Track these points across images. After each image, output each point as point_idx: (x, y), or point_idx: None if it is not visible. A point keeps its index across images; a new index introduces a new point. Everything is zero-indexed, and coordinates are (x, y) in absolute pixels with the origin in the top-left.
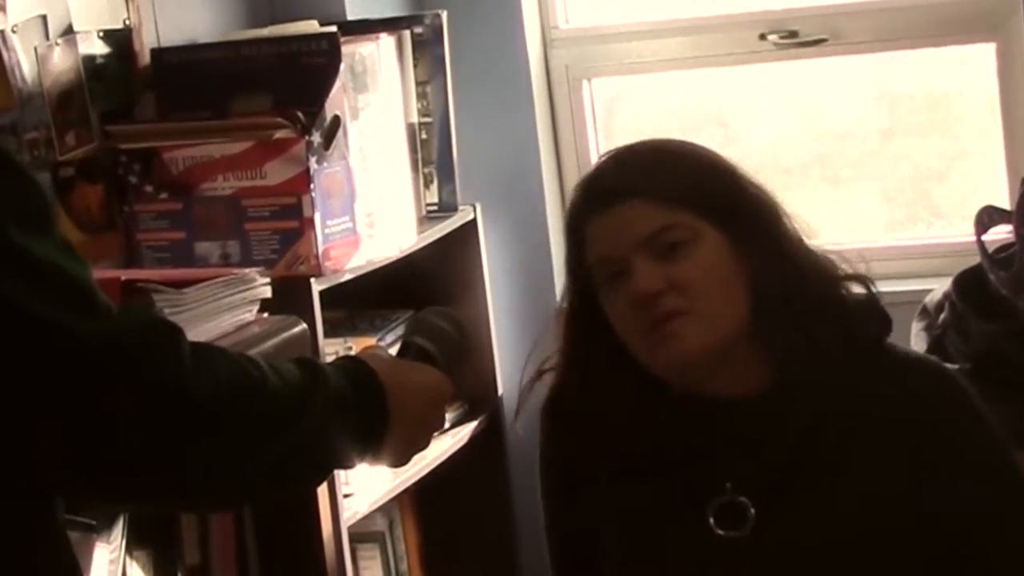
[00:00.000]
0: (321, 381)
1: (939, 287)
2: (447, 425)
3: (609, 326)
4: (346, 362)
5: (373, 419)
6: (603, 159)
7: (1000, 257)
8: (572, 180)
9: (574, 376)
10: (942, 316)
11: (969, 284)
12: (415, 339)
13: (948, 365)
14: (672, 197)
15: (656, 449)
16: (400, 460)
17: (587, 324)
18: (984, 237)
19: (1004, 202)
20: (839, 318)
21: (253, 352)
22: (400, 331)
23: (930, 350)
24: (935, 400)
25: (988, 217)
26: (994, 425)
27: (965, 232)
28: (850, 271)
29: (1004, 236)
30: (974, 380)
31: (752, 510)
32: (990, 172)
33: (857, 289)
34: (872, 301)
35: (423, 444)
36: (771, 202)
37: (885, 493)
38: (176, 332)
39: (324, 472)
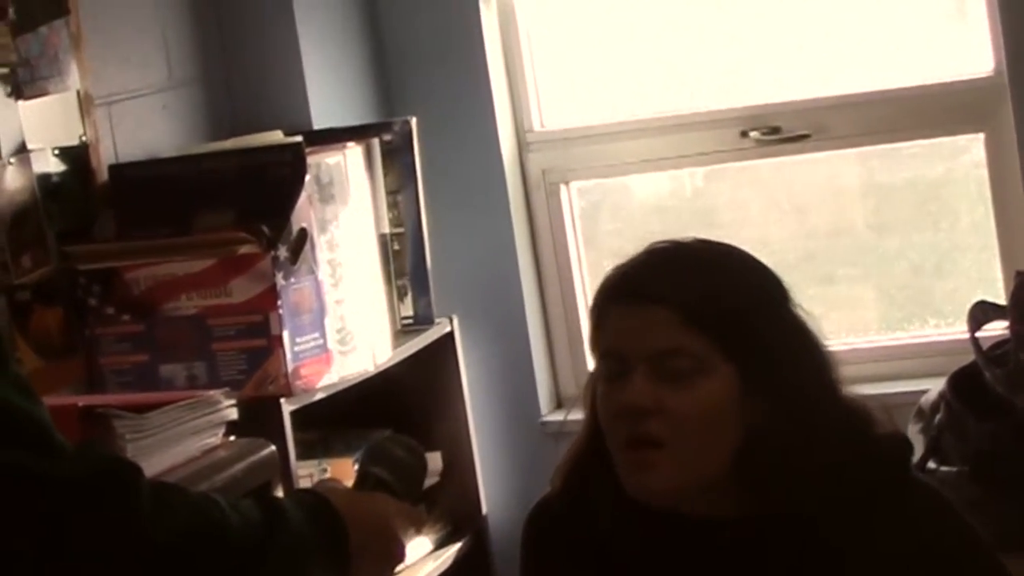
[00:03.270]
0: (282, 521)
1: (935, 387)
2: (431, 547)
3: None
4: (305, 497)
5: (335, 558)
6: (645, 250)
7: (995, 354)
8: (553, 288)
9: (572, 470)
10: (938, 417)
11: (965, 383)
12: (372, 469)
13: (945, 468)
14: (697, 316)
15: (636, 565)
16: None
17: (594, 408)
18: (978, 334)
19: (1000, 295)
20: (839, 477)
21: (219, 477)
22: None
23: (927, 452)
24: (922, 523)
25: (982, 313)
26: (977, 532)
27: (960, 329)
28: (882, 431)
29: (999, 332)
30: (973, 481)
31: None
32: (985, 265)
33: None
34: (895, 454)
35: None
36: (811, 349)
37: None
38: (135, 473)
39: None
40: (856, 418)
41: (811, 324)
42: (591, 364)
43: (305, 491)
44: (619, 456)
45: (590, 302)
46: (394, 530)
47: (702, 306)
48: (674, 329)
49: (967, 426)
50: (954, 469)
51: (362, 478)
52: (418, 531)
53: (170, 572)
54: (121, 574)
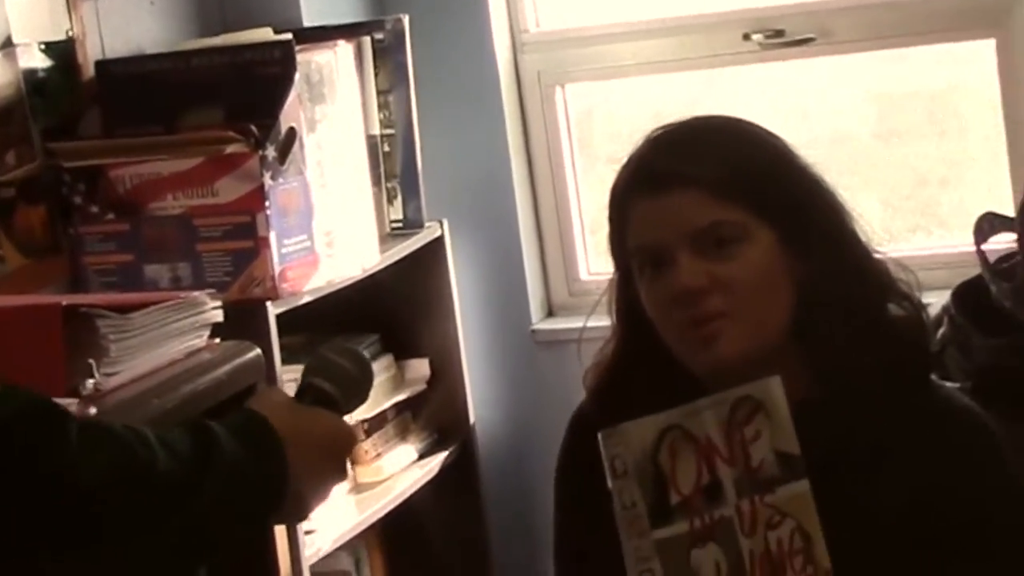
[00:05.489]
0: (215, 453)
1: (938, 301)
2: (416, 456)
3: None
4: (242, 420)
5: (272, 484)
6: (655, 135)
7: (1002, 268)
8: (546, 194)
9: (608, 374)
10: (941, 331)
11: (969, 297)
12: (314, 380)
13: (948, 384)
14: (727, 189)
15: None
16: (297, 518)
17: (627, 309)
18: (985, 246)
19: (1009, 207)
20: (884, 342)
21: (203, 380)
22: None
23: None
24: (965, 456)
25: (989, 225)
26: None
27: (966, 241)
28: (906, 289)
29: (1006, 245)
30: (975, 397)
31: None
32: (993, 176)
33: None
34: (916, 329)
35: (322, 499)
36: (833, 200)
37: (892, 526)
38: (62, 416)
39: (221, 548)
40: (885, 276)
41: (823, 176)
42: (584, 272)
43: (243, 412)
44: (682, 338)
45: (607, 200)
46: (334, 449)
47: (729, 177)
48: (707, 206)
49: (971, 341)
50: (957, 385)
51: (303, 390)
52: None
53: (96, 517)
54: (44, 521)
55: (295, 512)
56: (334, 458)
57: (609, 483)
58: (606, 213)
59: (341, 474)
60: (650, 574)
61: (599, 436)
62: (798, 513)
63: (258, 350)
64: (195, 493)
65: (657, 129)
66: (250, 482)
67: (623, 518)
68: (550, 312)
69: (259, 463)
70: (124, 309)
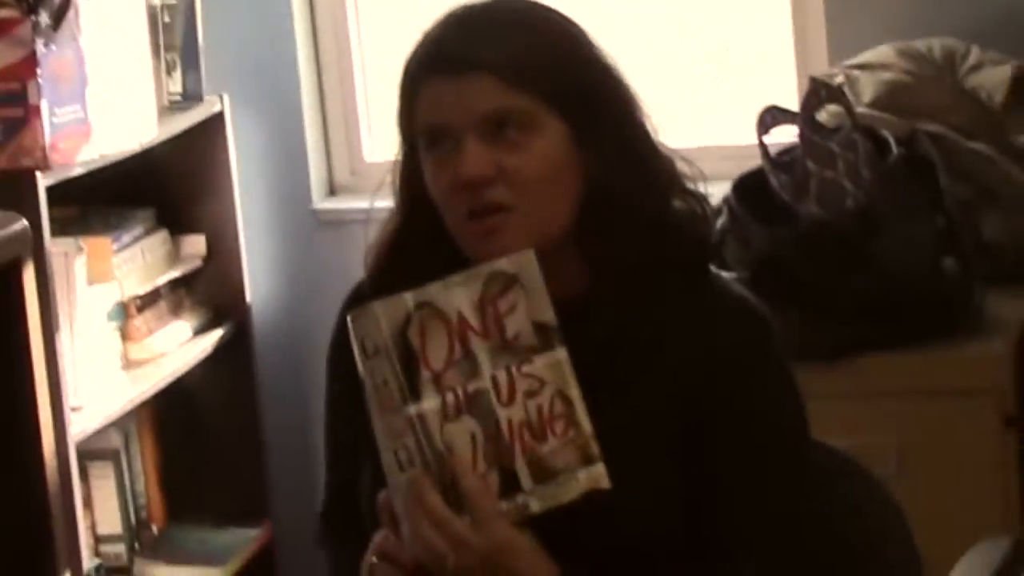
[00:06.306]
0: None
1: (719, 192)
2: (191, 334)
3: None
4: None
5: None
6: (450, 15)
7: (783, 160)
8: (331, 70)
9: (388, 253)
10: (720, 222)
11: (749, 188)
12: None
13: (725, 274)
14: (520, 76)
15: None
16: None
17: (410, 188)
18: (767, 139)
19: (792, 102)
20: (667, 236)
21: None
22: (138, 232)
23: None
24: (739, 346)
25: (771, 118)
26: (795, 394)
27: (749, 133)
28: (690, 185)
29: (788, 139)
30: (752, 288)
31: None
32: (779, 69)
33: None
34: (699, 223)
35: None
36: (625, 92)
37: (665, 418)
38: None
39: None
40: (670, 169)
41: (616, 64)
42: (368, 153)
43: None
44: (463, 228)
45: (399, 77)
46: None
47: (523, 64)
48: (497, 92)
49: (749, 231)
50: (734, 275)
51: None
52: None
53: None
54: None
55: None
56: None
57: (359, 364)
58: (397, 90)
59: None
60: (404, 450)
61: (347, 318)
62: (557, 380)
63: (24, 221)
64: None
65: (455, 9)
66: None
67: (375, 397)
68: (332, 191)
69: None
70: None
